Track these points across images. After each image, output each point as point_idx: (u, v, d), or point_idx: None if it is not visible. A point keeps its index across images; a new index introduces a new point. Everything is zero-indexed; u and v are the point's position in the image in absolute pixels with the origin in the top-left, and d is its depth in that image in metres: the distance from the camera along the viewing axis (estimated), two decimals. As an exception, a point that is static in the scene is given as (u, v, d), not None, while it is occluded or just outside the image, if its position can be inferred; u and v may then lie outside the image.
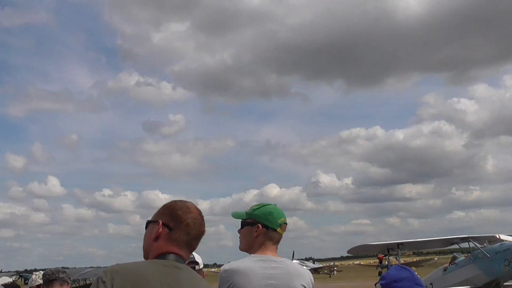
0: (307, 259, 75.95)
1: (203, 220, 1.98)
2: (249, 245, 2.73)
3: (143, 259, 1.94)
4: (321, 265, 69.89)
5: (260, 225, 2.68)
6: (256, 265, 2.61)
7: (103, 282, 1.71)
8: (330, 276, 60.21)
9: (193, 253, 2.98)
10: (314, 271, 66.92)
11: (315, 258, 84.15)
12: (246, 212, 2.80)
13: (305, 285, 2.62)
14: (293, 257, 71.36)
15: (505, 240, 15.66)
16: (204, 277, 2.94)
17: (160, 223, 1.88)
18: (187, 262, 2.52)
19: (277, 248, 2.76)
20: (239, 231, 2.82)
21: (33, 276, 4.74)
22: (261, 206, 2.82)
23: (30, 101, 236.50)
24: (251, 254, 2.70)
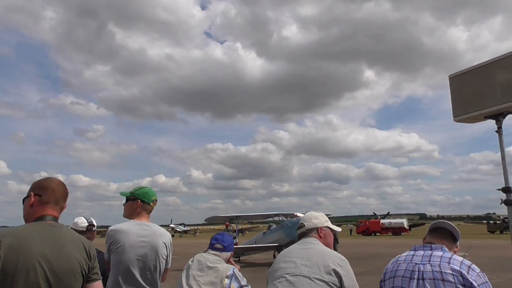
0: (180, 224, 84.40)
1: (64, 185, 2.22)
2: (131, 214, 3.21)
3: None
4: (189, 228, 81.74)
5: (139, 200, 3.20)
6: (134, 227, 3.07)
7: None
8: (194, 236, 72.07)
9: (91, 218, 3.85)
10: (185, 232, 74.49)
11: (185, 223, 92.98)
12: (130, 192, 3.28)
13: (165, 242, 3.14)
14: (171, 222, 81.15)
15: (300, 216, 19.23)
16: (95, 235, 3.85)
17: (32, 194, 2.10)
18: (88, 224, 3.75)
19: (149, 216, 3.25)
20: (124, 205, 3.27)
21: None
22: (141, 188, 3.30)
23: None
24: (131, 220, 3.16)
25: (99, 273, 2.18)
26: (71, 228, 3.63)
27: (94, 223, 3.85)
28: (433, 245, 2.27)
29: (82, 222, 3.81)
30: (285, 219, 20.94)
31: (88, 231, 3.80)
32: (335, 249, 2.83)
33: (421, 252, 2.26)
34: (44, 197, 2.10)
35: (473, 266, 2.11)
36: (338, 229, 2.87)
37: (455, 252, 2.31)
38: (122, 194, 3.31)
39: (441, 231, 2.40)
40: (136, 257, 2.96)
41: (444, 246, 2.27)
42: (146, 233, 3.06)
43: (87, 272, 2.07)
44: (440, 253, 2.19)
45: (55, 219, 2.10)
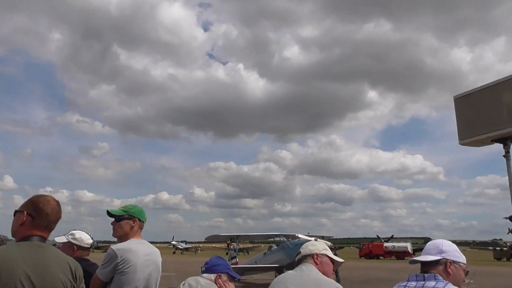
0: (182, 241, 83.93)
1: (60, 208, 2.20)
2: (126, 233, 3.10)
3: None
4: (190, 246, 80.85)
5: (137, 219, 3.14)
6: (139, 246, 3.04)
7: None
8: (195, 253, 70.54)
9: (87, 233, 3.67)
10: (186, 249, 73.95)
11: (187, 241, 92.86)
12: (123, 210, 3.16)
13: (161, 260, 3.20)
14: (172, 239, 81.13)
15: (301, 238, 19.66)
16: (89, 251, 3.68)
17: (25, 213, 2.08)
18: (92, 241, 3.67)
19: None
20: (112, 223, 3.15)
21: None
22: (134, 206, 3.24)
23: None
24: (131, 239, 3.08)
25: None
26: (72, 242, 3.50)
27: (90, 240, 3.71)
28: (426, 275, 2.10)
29: (87, 238, 3.60)
30: (286, 240, 20.71)
31: (90, 248, 3.69)
32: (336, 280, 2.67)
33: (413, 283, 2.10)
34: (37, 220, 2.08)
35: None
36: (340, 260, 2.69)
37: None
38: (113, 212, 3.13)
39: None
40: (144, 277, 2.96)
41: (438, 275, 2.09)
42: (150, 251, 3.10)
43: None
44: (432, 284, 2.03)
45: (43, 239, 2.08)
